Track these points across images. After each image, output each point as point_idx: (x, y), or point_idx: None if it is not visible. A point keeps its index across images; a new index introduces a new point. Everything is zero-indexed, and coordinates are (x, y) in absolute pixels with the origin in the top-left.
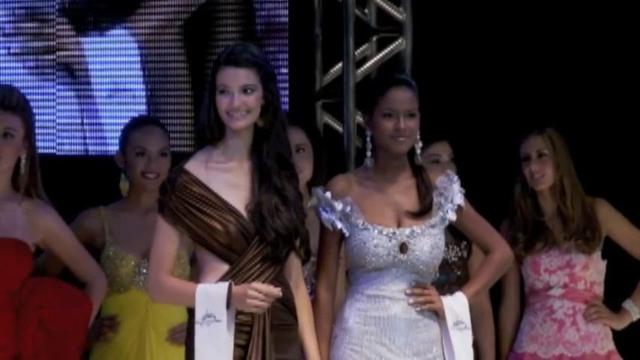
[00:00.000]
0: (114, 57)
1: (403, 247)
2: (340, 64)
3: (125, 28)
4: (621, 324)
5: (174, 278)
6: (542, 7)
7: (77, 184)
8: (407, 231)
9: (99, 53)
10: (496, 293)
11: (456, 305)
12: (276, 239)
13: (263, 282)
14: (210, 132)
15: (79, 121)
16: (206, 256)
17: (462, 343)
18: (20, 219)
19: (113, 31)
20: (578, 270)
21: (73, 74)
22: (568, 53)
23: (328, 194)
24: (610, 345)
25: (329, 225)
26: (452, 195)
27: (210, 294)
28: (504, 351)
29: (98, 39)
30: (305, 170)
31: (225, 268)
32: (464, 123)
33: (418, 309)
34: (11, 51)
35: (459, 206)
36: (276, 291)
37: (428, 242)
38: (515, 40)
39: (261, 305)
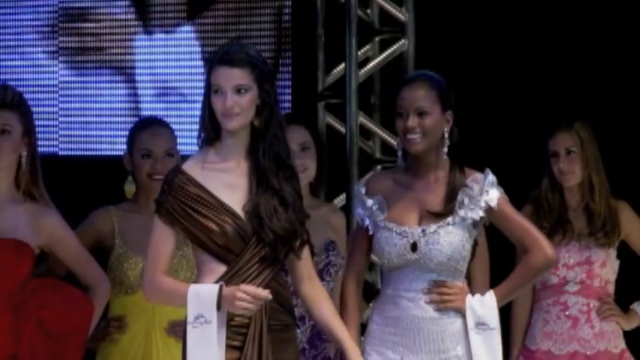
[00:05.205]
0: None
1: (414, 246)
2: (343, 65)
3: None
4: (630, 325)
5: (168, 278)
6: (546, 6)
7: (81, 184)
8: (420, 230)
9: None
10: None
11: (479, 306)
12: (274, 240)
13: (260, 283)
14: (206, 132)
15: (82, 119)
16: (203, 257)
17: (483, 345)
18: (23, 221)
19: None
20: (596, 267)
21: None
22: (570, 53)
23: (363, 190)
24: (622, 344)
25: (360, 220)
26: (480, 193)
27: (201, 295)
28: (517, 341)
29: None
30: (310, 169)
31: (222, 269)
32: (466, 123)
33: (436, 308)
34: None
35: (489, 205)
36: (265, 293)
37: (442, 241)
38: (519, 41)
39: (249, 307)
